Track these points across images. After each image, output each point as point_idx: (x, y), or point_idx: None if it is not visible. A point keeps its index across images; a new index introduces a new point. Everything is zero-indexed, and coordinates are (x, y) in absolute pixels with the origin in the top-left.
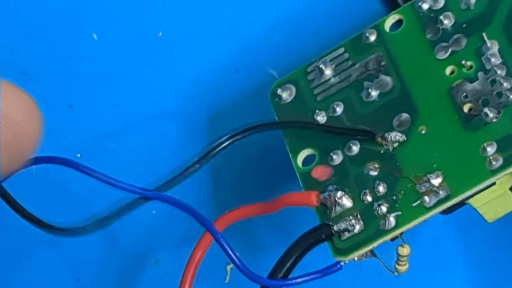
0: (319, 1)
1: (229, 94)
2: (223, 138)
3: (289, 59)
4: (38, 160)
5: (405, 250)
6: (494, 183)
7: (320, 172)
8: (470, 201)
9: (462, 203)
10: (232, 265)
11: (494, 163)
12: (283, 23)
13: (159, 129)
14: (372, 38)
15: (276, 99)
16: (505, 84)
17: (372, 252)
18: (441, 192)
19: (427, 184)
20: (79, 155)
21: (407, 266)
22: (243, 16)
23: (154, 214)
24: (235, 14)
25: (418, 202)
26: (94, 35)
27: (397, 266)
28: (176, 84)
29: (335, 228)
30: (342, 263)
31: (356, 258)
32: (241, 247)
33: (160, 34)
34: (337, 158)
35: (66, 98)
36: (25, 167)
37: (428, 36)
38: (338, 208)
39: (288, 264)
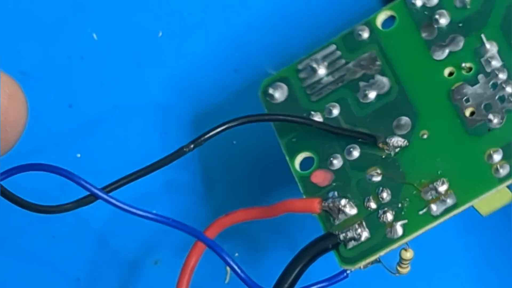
0: (320, 0)
1: (229, 94)
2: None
3: (289, 59)
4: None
5: (408, 254)
6: None
7: (320, 177)
8: None
9: None
10: None
11: (501, 170)
12: (283, 23)
13: (159, 129)
14: (365, 35)
15: (268, 98)
16: (507, 89)
17: (377, 258)
18: (448, 200)
19: (433, 192)
20: (79, 155)
21: (409, 268)
22: (243, 16)
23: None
24: (235, 14)
25: (424, 210)
26: (94, 35)
27: (398, 268)
28: (176, 84)
29: (341, 237)
30: (348, 271)
31: (362, 266)
32: (243, 250)
33: (160, 34)
34: (337, 162)
35: (66, 98)
36: None
37: (424, 35)
38: (342, 216)
39: (294, 274)
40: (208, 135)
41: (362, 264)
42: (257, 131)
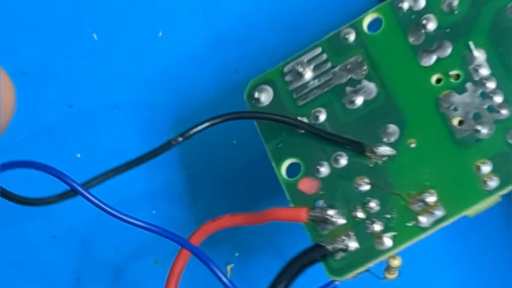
0: (320, 2)
1: (229, 94)
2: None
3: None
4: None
5: (396, 262)
6: None
7: (307, 185)
8: None
9: None
10: (233, 264)
11: (489, 183)
12: (284, 24)
13: (159, 129)
14: (351, 38)
15: (253, 102)
16: (495, 99)
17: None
18: (436, 212)
19: (422, 203)
20: (79, 155)
21: (396, 274)
22: (243, 16)
23: (154, 214)
24: (235, 14)
25: (413, 222)
26: (94, 35)
27: (386, 274)
28: (176, 85)
29: (330, 248)
30: (337, 282)
31: (350, 277)
32: (241, 252)
33: (160, 34)
34: (324, 170)
35: (66, 98)
36: None
37: (411, 39)
38: (330, 226)
39: (282, 286)
40: (197, 129)
41: (350, 275)
42: (256, 132)
